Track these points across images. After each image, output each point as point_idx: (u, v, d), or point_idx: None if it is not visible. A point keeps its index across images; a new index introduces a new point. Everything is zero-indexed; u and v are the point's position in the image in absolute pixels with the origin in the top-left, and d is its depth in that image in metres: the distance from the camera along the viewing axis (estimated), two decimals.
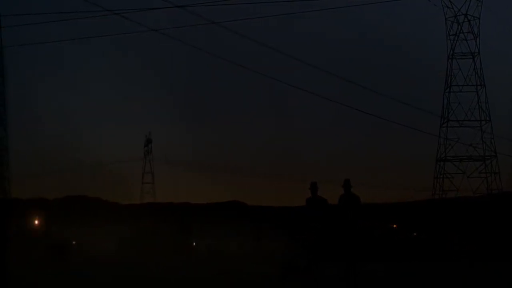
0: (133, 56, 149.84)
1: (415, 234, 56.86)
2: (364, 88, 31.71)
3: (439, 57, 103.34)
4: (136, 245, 47.94)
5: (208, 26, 27.14)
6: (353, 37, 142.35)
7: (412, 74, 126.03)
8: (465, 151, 70.58)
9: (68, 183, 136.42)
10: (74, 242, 53.21)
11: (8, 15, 57.43)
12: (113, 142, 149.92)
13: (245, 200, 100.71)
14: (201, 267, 28.55)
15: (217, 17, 24.38)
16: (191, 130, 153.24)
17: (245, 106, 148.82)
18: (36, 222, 60.89)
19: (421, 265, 29.30)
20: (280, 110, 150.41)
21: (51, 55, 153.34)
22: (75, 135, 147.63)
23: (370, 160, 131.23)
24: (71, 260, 34.66)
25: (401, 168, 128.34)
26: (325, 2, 33.13)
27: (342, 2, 61.80)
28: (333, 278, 16.19)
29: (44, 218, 63.61)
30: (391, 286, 18.36)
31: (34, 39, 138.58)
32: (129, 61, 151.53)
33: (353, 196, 15.55)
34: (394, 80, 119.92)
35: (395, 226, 47.82)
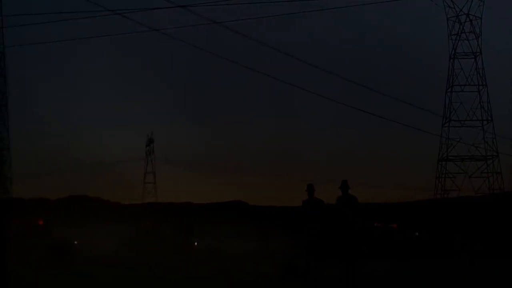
0: (135, 56, 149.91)
1: (416, 234, 56.83)
2: (367, 88, 31.62)
3: (440, 57, 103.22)
4: (138, 245, 47.91)
5: (210, 26, 27.10)
6: (353, 37, 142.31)
7: (413, 74, 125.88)
8: (467, 151, 70.67)
9: (70, 183, 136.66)
10: (76, 242, 53.19)
11: (9, 15, 57.45)
12: (114, 142, 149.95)
13: (247, 200, 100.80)
14: (202, 267, 28.53)
15: (218, 17, 24.35)
16: (193, 130, 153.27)
17: (247, 106, 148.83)
18: (37, 222, 60.88)
19: (421, 265, 29.25)
20: (281, 110, 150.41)
21: (53, 55, 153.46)
22: (76, 135, 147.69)
23: (371, 160, 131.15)
24: (72, 260, 34.62)
25: (403, 168, 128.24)
26: (326, 2, 33.11)
27: (343, 2, 61.80)
28: (333, 278, 16.15)
29: (46, 218, 63.62)
30: (391, 286, 18.32)
31: (35, 39, 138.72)
32: (130, 61, 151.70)
33: (350, 197, 15.51)
34: (395, 80, 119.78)
35: (395, 226, 47.73)
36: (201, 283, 19.89)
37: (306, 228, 15.74)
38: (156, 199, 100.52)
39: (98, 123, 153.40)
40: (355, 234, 15.41)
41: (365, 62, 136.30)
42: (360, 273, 15.84)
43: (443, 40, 73.52)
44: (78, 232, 59.16)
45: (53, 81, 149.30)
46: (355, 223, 15.42)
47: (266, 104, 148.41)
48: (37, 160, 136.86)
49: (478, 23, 71.22)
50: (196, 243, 55.96)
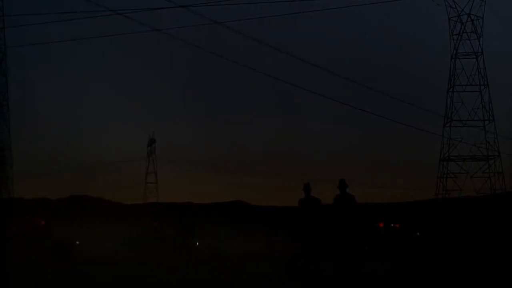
0: (136, 56, 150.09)
1: (418, 234, 56.78)
2: (368, 88, 31.63)
3: (441, 57, 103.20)
4: (138, 245, 47.93)
5: (211, 26, 27.08)
6: (354, 37, 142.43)
7: (415, 74, 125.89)
8: (469, 151, 70.50)
9: (71, 183, 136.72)
10: (77, 242, 53.21)
11: (10, 15, 57.47)
12: (115, 142, 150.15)
13: (248, 200, 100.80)
14: (203, 267, 28.51)
15: (219, 17, 24.34)
16: (194, 130, 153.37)
17: (247, 106, 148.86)
18: (39, 222, 60.92)
19: (421, 265, 29.21)
20: (282, 110, 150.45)
21: (54, 55, 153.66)
22: (78, 135, 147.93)
23: (372, 160, 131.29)
24: (73, 260, 34.62)
25: (404, 168, 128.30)
26: (327, 2, 33.08)
27: (344, 2, 61.78)
28: (333, 278, 16.11)
29: (47, 218, 63.67)
30: (391, 286, 18.26)
31: (37, 39, 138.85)
32: (131, 61, 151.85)
33: (348, 196, 15.49)
34: (396, 80, 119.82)
35: (397, 226, 47.71)
36: (201, 283, 19.86)
37: (306, 228, 15.71)
38: (157, 199, 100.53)
39: (98, 123, 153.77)
40: (354, 234, 15.37)
41: (366, 62, 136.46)
42: (360, 273, 15.80)
43: (444, 40, 73.56)
44: (79, 232, 59.17)
45: (55, 81, 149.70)
46: (354, 222, 15.39)
47: (266, 104, 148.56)
48: (38, 160, 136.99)
49: (480, 23, 71.08)
50: (197, 243, 55.96)
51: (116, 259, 36.76)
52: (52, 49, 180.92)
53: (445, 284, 18.83)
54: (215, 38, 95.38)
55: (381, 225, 44.88)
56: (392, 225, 46.64)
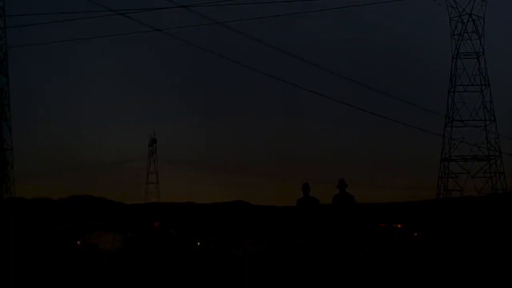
0: (136, 56, 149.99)
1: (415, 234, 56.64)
2: (369, 88, 31.65)
3: (442, 57, 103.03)
4: (140, 245, 47.88)
5: (211, 26, 27.11)
6: (354, 37, 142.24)
7: (415, 74, 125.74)
8: (470, 151, 70.61)
9: (72, 183, 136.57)
10: (78, 242, 53.11)
11: (11, 15, 57.50)
12: (116, 142, 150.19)
13: (249, 200, 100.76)
14: (203, 267, 28.46)
15: (220, 17, 24.35)
16: (195, 130, 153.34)
17: (249, 105, 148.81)
18: (40, 221, 60.88)
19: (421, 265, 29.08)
20: (283, 110, 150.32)
21: (55, 55, 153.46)
22: (78, 135, 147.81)
23: (372, 160, 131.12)
24: (74, 260, 34.55)
25: (405, 168, 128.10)
26: (328, 2, 33.09)
27: (345, 2, 61.77)
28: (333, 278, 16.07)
29: (48, 218, 63.59)
30: (391, 285, 18.19)
31: (37, 39, 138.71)
32: (132, 61, 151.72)
33: (347, 195, 15.49)
34: (397, 80, 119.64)
35: (399, 226, 47.63)
36: (201, 283, 19.79)
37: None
38: (158, 199, 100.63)
39: (99, 123, 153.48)
40: (354, 233, 15.37)
41: (367, 61, 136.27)
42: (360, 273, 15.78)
43: (445, 40, 73.48)
44: (81, 232, 59.01)
45: (56, 81, 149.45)
46: (353, 222, 15.39)
47: (267, 104, 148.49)
48: (39, 160, 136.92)
49: (481, 23, 71.26)
50: (198, 243, 55.92)
51: (118, 259, 36.71)
52: (53, 49, 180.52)
53: (445, 284, 18.78)
54: (216, 38, 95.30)
55: (384, 225, 44.76)
56: (394, 225, 46.54)
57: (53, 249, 39.08)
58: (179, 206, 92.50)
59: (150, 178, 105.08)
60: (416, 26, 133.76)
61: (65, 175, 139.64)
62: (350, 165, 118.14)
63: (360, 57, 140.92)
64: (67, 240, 46.51)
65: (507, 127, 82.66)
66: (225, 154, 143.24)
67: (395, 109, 76.49)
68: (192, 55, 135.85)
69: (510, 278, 18.74)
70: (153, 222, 62.33)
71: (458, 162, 70.72)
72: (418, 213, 69.02)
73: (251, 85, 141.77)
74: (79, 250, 45.84)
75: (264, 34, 77.94)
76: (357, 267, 16.04)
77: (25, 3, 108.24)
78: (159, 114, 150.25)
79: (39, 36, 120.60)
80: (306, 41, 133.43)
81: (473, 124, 70.06)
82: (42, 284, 19.95)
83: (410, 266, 24.53)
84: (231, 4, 32.88)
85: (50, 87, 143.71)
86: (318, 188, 16.99)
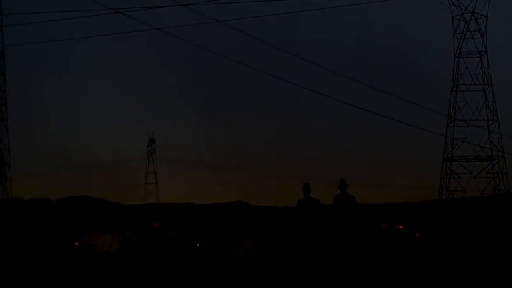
0: (135, 54, 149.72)
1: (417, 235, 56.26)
2: (371, 88, 31.25)
3: (445, 56, 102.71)
4: (139, 246, 47.51)
5: (211, 25, 26.71)
6: (356, 36, 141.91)
7: (417, 73, 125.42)
8: (472, 151, 70.15)
9: (70, 184, 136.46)
10: (76, 243, 52.75)
11: (8, 14, 57.12)
12: (115, 142, 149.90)
13: (249, 200, 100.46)
14: (203, 267, 28.07)
15: (219, 16, 23.93)
16: (194, 130, 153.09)
17: (249, 105, 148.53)
18: (40, 222, 60.53)
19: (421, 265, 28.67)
20: (283, 109, 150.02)
21: (53, 54, 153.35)
22: (76, 135, 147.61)
23: (374, 160, 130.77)
24: (73, 261, 34.21)
25: (407, 168, 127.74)
26: (329, 1, 32.63)
27: (347, 0, 61.28)
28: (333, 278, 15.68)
29: (47, 218, 63.20)
30: (391, 285, 17.79)
31: (35, 38, 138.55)
32: (131, 60, 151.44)
33: (348, 196, 15.25)
34: (399, 80, 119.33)
35: (401, 226, 47.21)
36: (201, 283, 19.39)
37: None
38: (157, 200, 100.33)
39: (97, 122, 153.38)
40: (354, 233, 15.13)
41: (369, 61, 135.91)
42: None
43: (447, 39, 73.12)
44: (79, 232, 58.70)
45: (53, 80, 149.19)
46: (354, 222, 15.16)
47: (267, 103, 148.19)
48: (37, 160, 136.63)
49: (484, 22, 70.77)
50: (198, 244, 55.52)
51: (118, 259, 36.39)
52: (51, 47, 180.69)
53: (445, 284, 18.39)
54: (215, 37, 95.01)
55: (385, 225, 44.36)
56: (396, 225, 46.13)
57: (53, 249, 38.74)
58: (178, 206, 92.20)
59: (149, 179, 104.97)
60: (418, 24, 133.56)
61: (62, 175, 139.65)
62: (351, 165, 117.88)
63: (362, 56, 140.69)
64: (67, 241, 46.16)
65: (510, 127, 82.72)
66: (224, 153, 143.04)
67: (397, 108, 75.93)
68: (192, 54, 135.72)
69: None
70: (152, 223, 61.94)
71: (460, 162, 70.31)
72: (419, 213, 68.65)
73: (251, 84, 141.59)
74: (77, 251, 45.49)
75: (264, 32, 77.52)
76: (357, 268, 15.76)
77: (22, 1, 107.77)
78: (158, 113, 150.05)
79: (36, 34, 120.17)
80: (306, 40, 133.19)
81: (475, 123, 69.67)
82: (42, 285, 19.67)
83: (412, 267, 24.11)
84: (231, 2, 32.50)
85: (47, 86, 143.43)
86: (318, 188, 16.63)
